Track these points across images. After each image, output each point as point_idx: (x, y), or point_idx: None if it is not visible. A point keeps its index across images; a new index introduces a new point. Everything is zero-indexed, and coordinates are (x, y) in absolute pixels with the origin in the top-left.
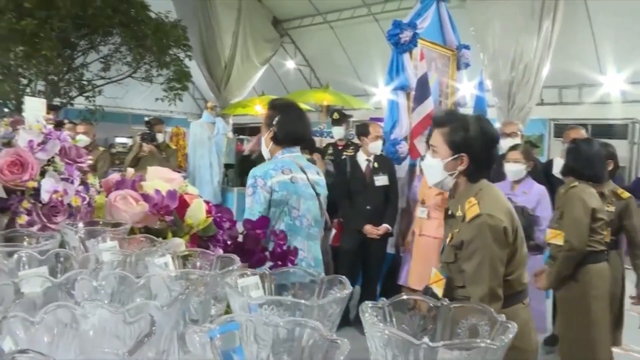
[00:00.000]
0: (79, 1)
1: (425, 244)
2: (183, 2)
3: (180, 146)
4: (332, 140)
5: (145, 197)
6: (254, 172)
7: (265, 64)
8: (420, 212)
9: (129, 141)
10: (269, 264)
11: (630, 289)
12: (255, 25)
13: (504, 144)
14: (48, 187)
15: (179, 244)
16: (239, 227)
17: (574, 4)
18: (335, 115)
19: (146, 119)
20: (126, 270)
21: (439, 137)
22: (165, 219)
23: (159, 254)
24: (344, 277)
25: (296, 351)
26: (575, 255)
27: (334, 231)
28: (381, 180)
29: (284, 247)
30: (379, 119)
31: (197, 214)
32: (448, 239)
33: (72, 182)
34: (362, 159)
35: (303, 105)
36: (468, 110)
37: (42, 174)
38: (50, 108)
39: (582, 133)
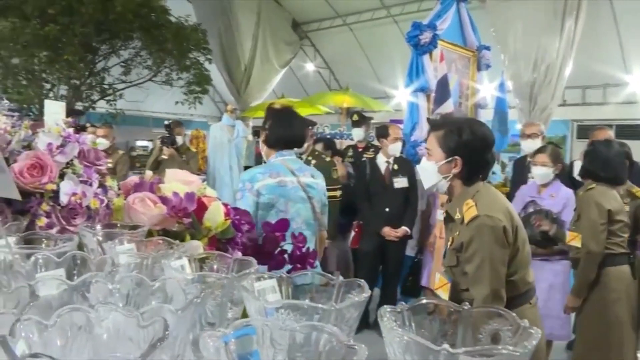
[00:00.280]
0: (100, 7)
1: None
2: (203, 5)
3: (200, 149)
4: (352, 143)
5: (164, 200)
6: (243, 176)
7: (284, 67)
8: (440, 214)
9: (149, 144)
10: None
11: None
12: (274, 28)
13: (525, 146)
14: (67, 189)
15: (197, 246)
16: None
17: (597, 3)
18: (355, 117)
19: (166, 122)
20: (142, 272)
21: (434, 140)
22: (183, 222)
23: (176, 256)
24: (362, 280)
25: (313, 356)
26: (593, 258)
27: (352, 233)
28: (401, 182)
29: (303, 250)
30: (399, 121)
31: (216, 217)
32: (449, 243)
33: (90, 185)
34: (381, 161)
35: (322, 108)
36: (489, 111)
37: (61, 176)
38: (74, 112)
39: (610, 134)
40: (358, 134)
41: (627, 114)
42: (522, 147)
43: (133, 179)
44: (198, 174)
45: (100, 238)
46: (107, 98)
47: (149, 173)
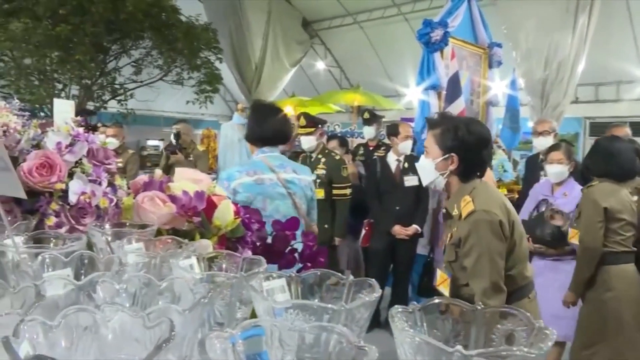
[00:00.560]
0: (111, 6)
1: None
2: (213, 5)
3: (211, 148)
4: (362, 141)
5: (173, 199)
6: (221, 175)
7: (295, 65)
8: None
9: (160, 144)
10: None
11: None
12: (285, 26)
13: (537, 143)
14: (76, 188)
15: (206, 245)
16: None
17: None
18: (366, 115)
19: (174, 129)
20: (151, 272)
21: (431, 138)
22: (192, 220)
23: (184, 255)
24: (372, 279)
25: (322, 357)
26: (590, 254)
27: (363, 232)
28: (411, 180)
29: (314, 249)
30: (410, 119)
31: (225, 215)
32: (448, 238)
33: (99, 184)
34: (392, 159)
35: (333, 106)
36: (500, 109)
37: (70, 175)
38: (86, 112)
39: (627, 131)
40: (369, 132)
41: None
42: (534, 144)
43: (142, 177)
44: (209, 173)
45: (109, 237)
46: (118, 98)
47: (158, 172)
